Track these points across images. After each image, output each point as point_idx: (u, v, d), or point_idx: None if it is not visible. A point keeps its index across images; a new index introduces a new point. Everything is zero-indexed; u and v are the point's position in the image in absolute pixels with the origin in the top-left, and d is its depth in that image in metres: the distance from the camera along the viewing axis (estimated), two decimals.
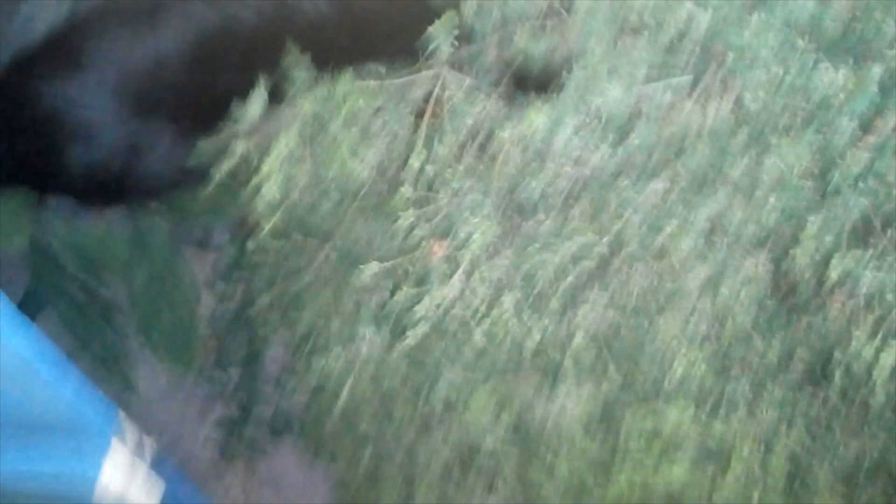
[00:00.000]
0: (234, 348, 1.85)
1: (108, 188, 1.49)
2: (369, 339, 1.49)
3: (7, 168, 1.51)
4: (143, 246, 1.81)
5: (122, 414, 1.27)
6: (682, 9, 1.05)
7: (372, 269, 1.35)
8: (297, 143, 1.24)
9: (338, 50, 1.38)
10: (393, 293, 1.41)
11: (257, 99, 1.23)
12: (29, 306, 1.78)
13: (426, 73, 1.17)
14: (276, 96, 1.25)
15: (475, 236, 1.19)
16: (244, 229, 1.78)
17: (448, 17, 1.10)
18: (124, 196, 1.52)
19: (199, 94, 1.40)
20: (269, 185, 1.25)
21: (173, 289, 1.83)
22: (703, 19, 1.07)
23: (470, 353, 1.47)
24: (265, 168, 1.23)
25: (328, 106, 1.24)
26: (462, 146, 1.19)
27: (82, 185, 1.47)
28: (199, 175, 1.32)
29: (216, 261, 1.87)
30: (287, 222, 1.44)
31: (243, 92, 1.30)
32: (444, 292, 1.22)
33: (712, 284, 1.25)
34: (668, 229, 1.14)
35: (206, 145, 1.28)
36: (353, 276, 1.43)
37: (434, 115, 1.16)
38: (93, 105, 1.38)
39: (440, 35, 1.09)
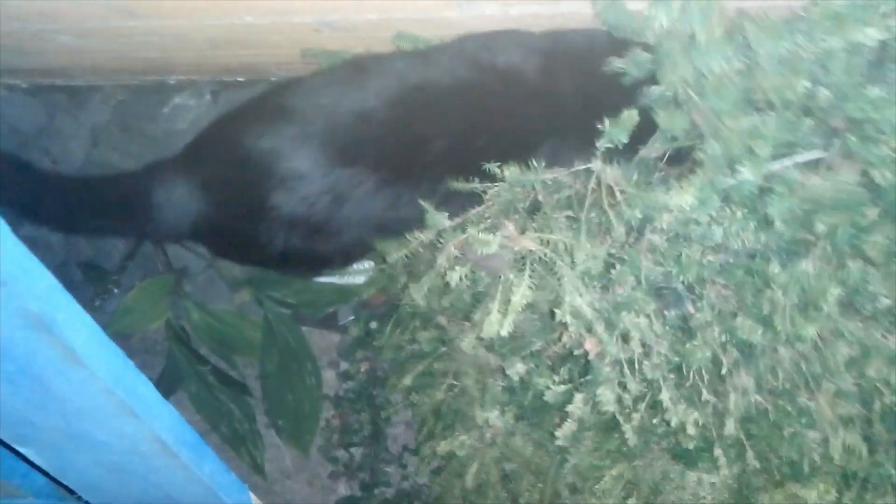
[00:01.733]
0: (357, 427, 1.92)
1: (308, 238, 1.52)
2: (493, 422, 1.53)
3: (215, 228, 1.57)
4: (271, 329, 1.91)
5: (253, 497, 1.35)
6: (801, 84, 1.09)
7: (518, 369, 1.39)
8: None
9: (528, 118, 1.45)
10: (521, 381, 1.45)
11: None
12: (163, 388, 1.89)
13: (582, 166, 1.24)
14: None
15: (632, 334, 1.23)
16: (368, 309, 1.88)
17: (629, 116, 1.16)
18: (323, 247, 1.55)
19: (398, 147, 1.45)
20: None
21: (297, 372, 1.91)
22: (823, 95, 1.11)
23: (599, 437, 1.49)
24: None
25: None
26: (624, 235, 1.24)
27: (283, 237, 1.50)
28: (396, 228, 1.40)
29: (340, 341, 1.94)
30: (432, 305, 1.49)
31: (437, 146, 1.42)
32: (600, 393, 1.26)
33: (858, 365, 1.25)
34: (811, 310, 1.16)
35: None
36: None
37: (595, 205, 1.21)
38: (299, 156, 1.45)
39: (617, 132, 1.15)
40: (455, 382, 1.61)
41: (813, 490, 1.38)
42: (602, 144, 1.17)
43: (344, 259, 1.67)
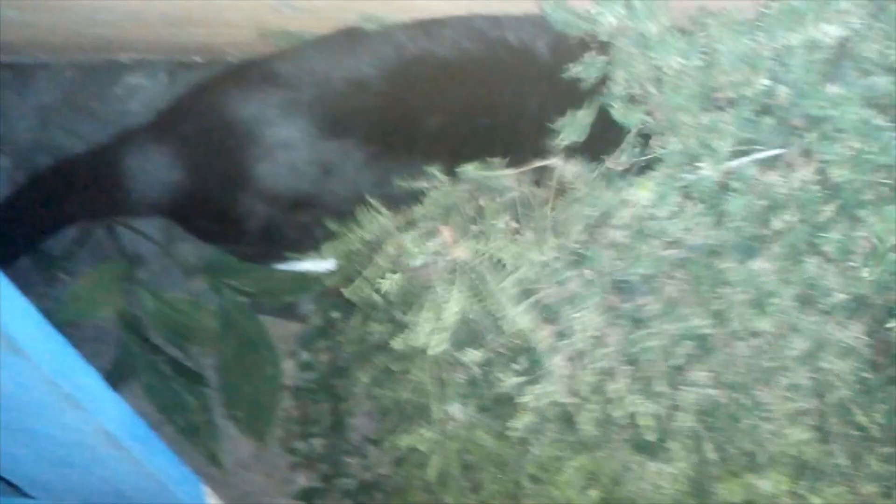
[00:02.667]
0: (317, 418, 1.92)
1: (291, 211, 1.49)
2: (456, 414, 1.55)
3: (192, 194, 1.52)
4: (228, 318, 1.90)
5: (206, 490, 1.35)
6: (760, 81, 1.12)
7: (474, 356, 1.42)
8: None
9: (540, 99, 1.38)
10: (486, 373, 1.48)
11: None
12: (114, 378, 1.85)
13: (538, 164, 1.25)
14: None
15: (579, 328, 1.25)
16: (330, 298, 1.87)
17: (584, 115, 1.18)
18: (305, 221, 1.51)
19: (392, 121, 1.41)
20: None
21: (256, 362, 1.90)
22: (782, 92, 1.14)
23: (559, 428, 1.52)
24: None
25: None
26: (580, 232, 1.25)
27: (265, 210, 1.47)
28: (384, 205, 1.38)
29: (300, 331, 1.95)
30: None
31: (435, 122, 1.37)
32: (549, 386, 1.28)
33: (811, 358, 1.29)
34: (766, 305, 1.19)
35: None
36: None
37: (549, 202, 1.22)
38: (286, 125, 1.40)
39: (572, 132, 1.16)
40: (415, 377, 1.63)
41: (768, 480, 1.42)
42: (559, 142, 1.18)
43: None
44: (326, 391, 1.90)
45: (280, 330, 1.94)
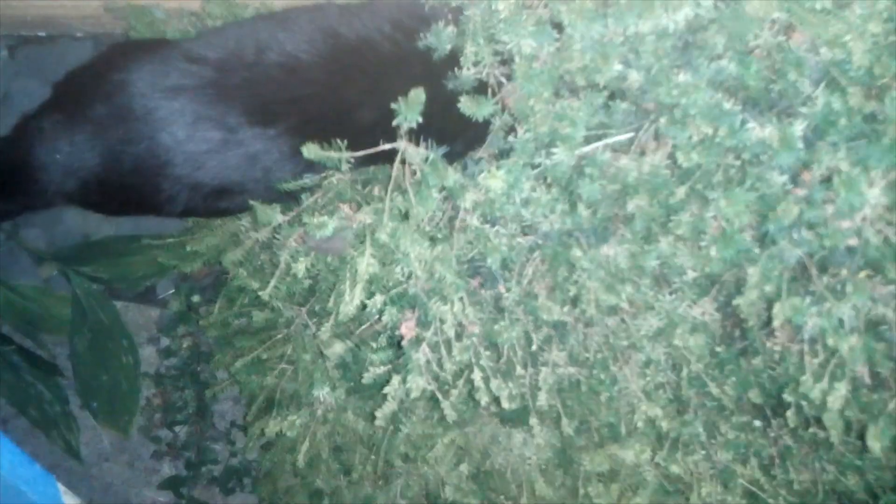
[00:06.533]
0: (181, 405, 1.87)
1: (213, 197, 1.42)
2: (325, 398, 1.53)
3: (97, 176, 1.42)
4: (80, 306, 1.82)
5: (61, 487, 1.29)
6: (613, 69, 1.13)
7: (337, 349, 1.41)
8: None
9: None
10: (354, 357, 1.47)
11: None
12: None
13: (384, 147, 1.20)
14: None
15: (443, 318, 1.26)
16: (189, 282, 1.82)
17: (416, 94, 1.13)
18: (225, 206, 1.45)
19: (324, 111, 1.36)
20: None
21: (112, 350, 1.84)
22: (634, 78, 1.15)
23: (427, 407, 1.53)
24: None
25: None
26: (429, 219, 1.25)
27: (186, 197, 1.39)
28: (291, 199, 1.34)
29: (160, 316, 1.88)
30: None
31: (366, 116, 1.32)
32: (413, 377, 1.28)
33: (665, 335, 1.33)
34: (621, 291, 1.22)
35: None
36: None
37: (398, 188, 1.20)
38: (210, 110, 1.33)
39: (407, 111, 1.13)
40: (287, 366, 1.60)
41: (630, 450, 1.47)
42: (399, 123, 1.15)
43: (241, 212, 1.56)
44: (189, 377, 1.86)
45: (138, 316, 1.88)
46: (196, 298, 1.83)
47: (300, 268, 1.30)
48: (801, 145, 1.08)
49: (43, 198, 1.48)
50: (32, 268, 1.90)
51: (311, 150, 1.18)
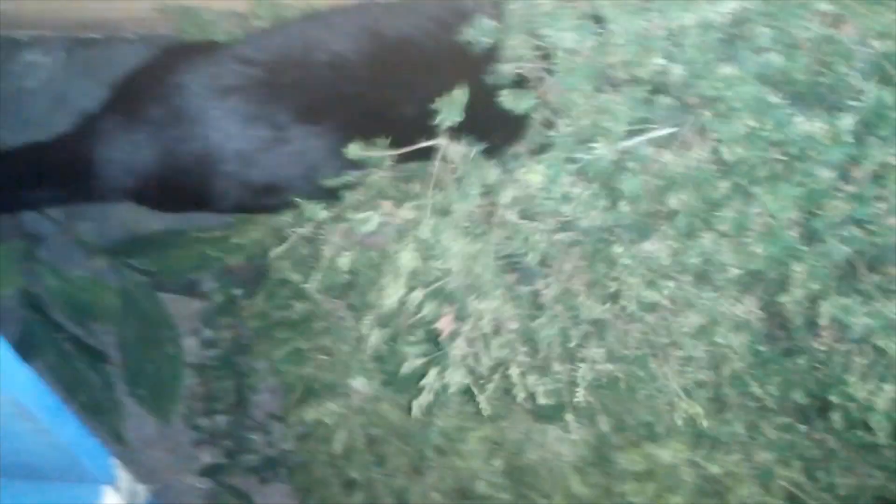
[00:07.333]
0: (221, 395, 1.90)
1: (261, 195, 1.47)
2: (361, 388, 1.54)
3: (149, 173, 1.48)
4: (128, 297, 1.86)
5: (116, 462, 1.33)
6: (655, 62, 1.11)
7: (377, 335, 1.42)
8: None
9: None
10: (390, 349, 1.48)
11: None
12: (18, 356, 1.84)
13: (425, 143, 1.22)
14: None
15: (481, 314, 1.26)
16: (231, 275, 1.85)
17: (458, 93, 1.14)
18: (273, 203, 1.49)
19: (368, 109, 1.38)
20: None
21: (157, 340, 1.88)
22: (677, 72, 1.14)
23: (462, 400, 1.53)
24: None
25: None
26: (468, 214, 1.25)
27: (236, 194, 1.44)
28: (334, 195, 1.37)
29: (203, 308, 1.91)
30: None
31: (408, 112, 1.33)
32: (450, 371, 1.29)
33: (706, 332, 1.31)
34: (662, 287, 1.21)
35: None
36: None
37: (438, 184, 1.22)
38: (262, 109, 1.38)
39: (448, 109, 1.14)
40: (325, 357, 1.62)
41: (667, 449, 1.46)
42: (440, 122, 1.16)
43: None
44: (230, 367, 1.88)
45: (182, 307, 1.90)
46: (238, 291, 1.85)
47: (344, 262, 1.31)
48: (850, 140, 1.06)
49: (101, 192, 1.55)
50: (84, 259, 1.94)
51: (353, 149, 1.20)
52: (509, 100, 1.16)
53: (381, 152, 1.20)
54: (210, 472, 1.90)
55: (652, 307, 1.28)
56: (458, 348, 1.29)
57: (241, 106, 1.38)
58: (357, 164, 1.33)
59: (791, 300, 1.18)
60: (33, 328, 1.87)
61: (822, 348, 1.27)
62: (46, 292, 1.88)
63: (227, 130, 1.39)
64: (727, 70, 1.09)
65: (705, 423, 1.39)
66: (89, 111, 1.57)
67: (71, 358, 1.88)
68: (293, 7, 1.54)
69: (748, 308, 1.32)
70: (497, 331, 1.30)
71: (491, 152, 1.26)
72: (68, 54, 1.95)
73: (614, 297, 1.26)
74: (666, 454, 1.46)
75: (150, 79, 1.51)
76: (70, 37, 1.93)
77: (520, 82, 1.25)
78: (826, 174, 1.10)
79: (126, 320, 1.87)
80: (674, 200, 1.18)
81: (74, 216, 1.93)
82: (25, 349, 1.83)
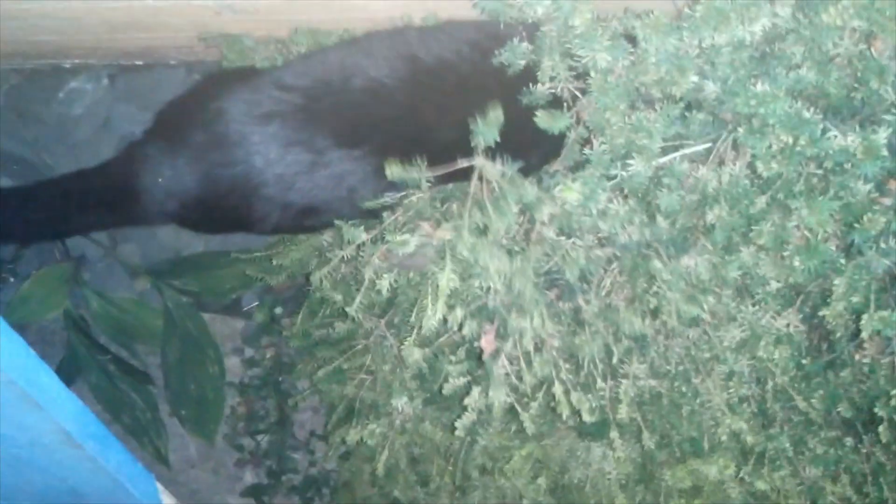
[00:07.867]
0: (263, 414, 1.92)
1: (301, 216, 1.49)
2: (403, 408, 1.56)
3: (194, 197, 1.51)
4: (171, 318, 1.89)
5: (160, 487, 1.35)
6: (689, 81, 1.13)
7: (416, 354, 1.42)
8: None
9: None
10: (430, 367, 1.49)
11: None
12: (61, 378, 1.84)
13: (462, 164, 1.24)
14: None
15: (523, 332, 1.27)
16: (272, 295, 1.88)
17: (494, 114, 1.16)
18: (312, 223, 1.52)
19: (405, 132, 1.40)
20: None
21: (199, 360, 1.90)
22: (711, 89, 1.15)
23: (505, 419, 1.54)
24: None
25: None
26: (507, 232, 1.27)
27: (277, 217, 1.46)
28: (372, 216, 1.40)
29: (244, 327, 1.94)
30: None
31: (445, 137, 1.34)
32: (493, 390, 1.30)
33: (748, 346, 1.31)
34: (703, 302, 1.21)
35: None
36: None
37: (476, 202, 1.23)
38: (301, 134, 1.40)
39: (484, 130, 1.16)
40: (367, 377, 1.64)
41: (713, 465, 1.45)
42: (476, 143, 1.18)
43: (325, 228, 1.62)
44: (272, 387, 1.90)
45: (224, 327, 1.93)
46: (279, 310, 1.88)
47: (384, 284, 1.33)
48: (885, 153, 1.06)
49: (145, 216, 1.58)
50: (128, 281, 1.99)
51: (393, 171, 1.22)
52: (544, 119, 1.17)
53: (420, 174, 1.22)
54: (253, 492, 1.92)
55: (693, 322, 1.29)
56: (500, 367, 1.30)
57: (280, 131, 1.40)
58: (396, 186, 1.35)
59: (832, 313, 1.17)
60: (77, 350, 1.91)
61: (866, 361, 1.27)
62: (90, 314, 1.93)
63: (268, 155, 1.41)
64: (760, 87, 1.09)
65: (750, 439, 1.39)
66: (133, 137, 1.61)
67: (114, 379, 1.92)
68: (331, 33, 1.56)
69: (790, 321, 1.32)
70: (539, 348, 1.31)
71: (527, 170, 1.28)
72: (112, 81, 1.99)
73: (655, 313, 1.26)
74: (712, 470, 1.45)
75: (192, 105, 1.55)
76: (114, 64, 1.97)
77: (554, 102, 1.26)
78: (862, 187, 1.10)
79: (169, 341, 1.90)
80: (711, 215, 1.18)
81: (118, 239, 1.98)
82: (69, 371, 1.91)
